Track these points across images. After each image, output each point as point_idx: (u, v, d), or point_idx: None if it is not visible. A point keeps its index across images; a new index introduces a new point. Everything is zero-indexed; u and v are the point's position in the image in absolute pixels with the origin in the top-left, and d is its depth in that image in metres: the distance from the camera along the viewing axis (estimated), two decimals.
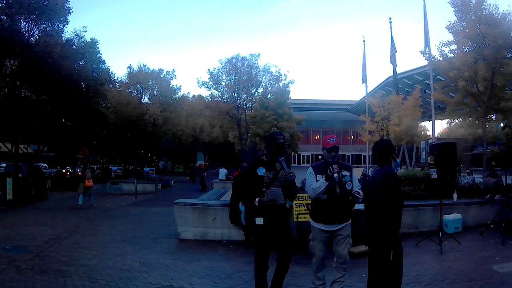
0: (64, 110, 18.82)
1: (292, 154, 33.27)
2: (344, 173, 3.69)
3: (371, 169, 19.86)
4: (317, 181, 3.66)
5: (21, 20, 16.01)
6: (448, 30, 10.63)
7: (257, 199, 3.48)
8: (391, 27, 19.73)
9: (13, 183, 13.14)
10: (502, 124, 24.35)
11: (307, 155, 56.57)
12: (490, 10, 10.01)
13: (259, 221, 3.56)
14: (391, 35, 18.47)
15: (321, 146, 3.90)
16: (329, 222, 3.66)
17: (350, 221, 3.74)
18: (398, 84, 21.24)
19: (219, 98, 35.13)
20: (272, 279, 3.81)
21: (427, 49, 13.21)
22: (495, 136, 28.66)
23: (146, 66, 32.84)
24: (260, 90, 33.93)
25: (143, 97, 33.14)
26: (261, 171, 3.57)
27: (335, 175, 3.63)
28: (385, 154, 3.71)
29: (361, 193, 3.66)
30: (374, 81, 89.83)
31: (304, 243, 6.34)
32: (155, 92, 32.74)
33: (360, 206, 6.56)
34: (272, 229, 3.57)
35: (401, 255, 3.60)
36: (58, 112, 18.96)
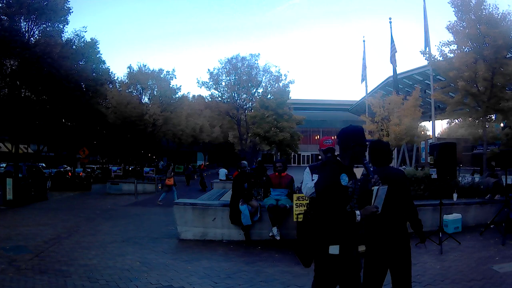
0: (64, 110, 18.83)
1: (292, 154, 33.28)
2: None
3: (371, 169, 19.82)
4: (312, 180, 3.75)
5: (21, 20, 16.04)
6: (448, 30, 10.65)
7: (358, 212, 2.61)
8: (391, 27, 19.82)
9: (13, 183, 13.14)
10: (502, 124, 24.34)
11: (307, 155, 56.56)
12: (490, 10, 10.03)
13: (334, 250, 2.60)
14: (391, 35, 18.53)
15: (318, 147, 3.99)
16: None
17: None
18: (398, 84, 21.25)
19: (219, 98, 35.18)
20: None
21: (427, 49, 13.24)
22: (495, 136, 28.63)
23: (146, 66, 32.90)
24: (260, 90, 33.99)
25: (143, 97, 33.18)
26: (345, 180, 2.72)
27: None
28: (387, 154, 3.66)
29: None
30: (374, 81, 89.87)
31: None
32: (155, 92, 32.76)
33: None
34: (348, 260, 2.66)
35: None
36: (58, 112, 18.97)
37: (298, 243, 2.86)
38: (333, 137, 3.86)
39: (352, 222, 2.62)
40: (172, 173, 15.20)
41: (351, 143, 2.72)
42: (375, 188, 2.73)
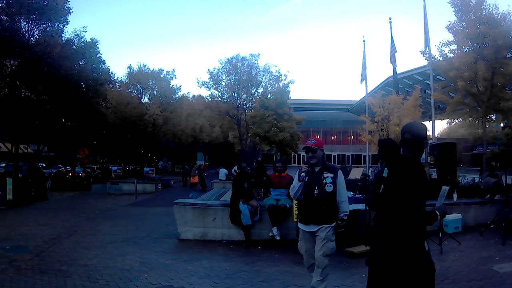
0: (64, 110, 18.82)
1: (292, 154, 33.28)
2: (326, 174, 3.62)
3: (371, 169, 19.85)
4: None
5: (21, 20, 16.02)
6: (448, 30, 10.65)
7: (437, 212, 2.58)
8: (391, 27, 19.76)
9: (13, 183, 13.14)
10: (502, 124, 24.33)
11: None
12: (490, 10, 10.03)
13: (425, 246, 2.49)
14: (391, 35, 18.51)
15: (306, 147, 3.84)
16: (305, 222, 3.63)
17: (332, 224, 3.58)
18: (398, 84, 21.24)
19: (219, 98, 35.15)
20: None
21: (427, 49, 13.23)
22: (495, 136, 28.66)
23: (146, 66, 32.93)
24: (260, 90, 33.97)
25: (143, 97, 33.20)
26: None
27: (302, 174, 3.58)
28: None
29: (346, 217, 3.64)
30: (374, 81, 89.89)
31: None
32: (155, 92, 32.78)
33: (360, 206, 6.59)
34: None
35: None
36: (58, 112, 18.96)
37: (376, 251, 2.51)
38: (317, 136, 3.63)
39: (434, 222, 2.52)
40: (197, 171, 15.38)
41: (425, 140, 2.62)
42: (443, 188, 2.92)
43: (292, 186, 3.71)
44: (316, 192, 3.55)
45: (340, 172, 3.71)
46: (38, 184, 15.50)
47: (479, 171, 15.80)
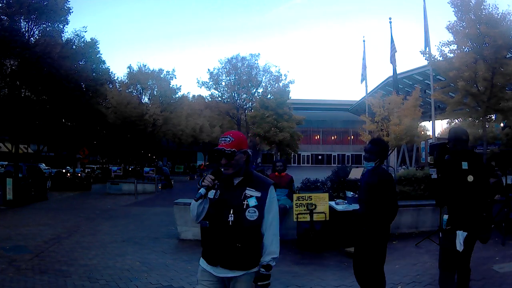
0: (64, 110, 18.82)
1: (292, 154, 33.25)
2: (250, 192, 2.21)
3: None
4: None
5: (21, 20, 16.02)
6: (448, 30, 10.65)
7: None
8: (391, 27, 19.80)
9: (13, 183, 13.14)
10: (502, 124, 24.31)
11: (307, 155, 56.59)
12: (490, 10, 10.03)
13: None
14: (391, 35, 18.53)
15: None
16: (212, 263, 2.20)
17: (253, 269, 2.17)
18: (398, 84, 21.24)
19: (219, 98, 35.19)
20: None
21: (427, 49, 13.25)
22: (495, 136, 28.60)
23: (146, 66, 32.94)
24: (260, 90, 34.01)
25: (143, 97, 33.21)
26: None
27: (201, 191, 2.14)
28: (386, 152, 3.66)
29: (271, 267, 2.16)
30: (374, 81, 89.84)
31: (304, 243, 6.34)
32: (155, 92, 32.79)
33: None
34: None
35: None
36: (58, 112, 18.96)
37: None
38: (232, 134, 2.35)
39: None
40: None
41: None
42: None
43: (191, 206, 2.29)
44: (231, 218, 2.16)
45: (272, 190, 2.27)
46: (38, 184, 15.51)
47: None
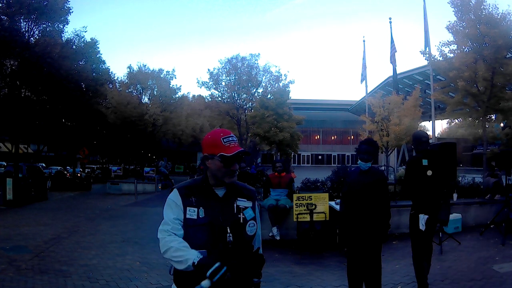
0: (64, 110, 18.83)
1: (292, 154, 33.22)
2: (243, 204, 1.88)
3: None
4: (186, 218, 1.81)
5: (21, 20, 16.01)
6: (448, 30, 10.64)
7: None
8: (391, 27, 19.78)
9: (13, 183, 13.14)
10: (502, 124, 24.33)
11: (307, 155, 56.57)
12: (490, 10, 10.01)
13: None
14: (391, 35, 18.52)
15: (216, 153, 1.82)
16: None
17: None
18: (398, 84, 21.24)
19: (219, 98, 35.14)
20: None
21: (427, 49, 13.24)
22: (495, 136, 28.62)
23: (146, 66, 32.97)
24: (260, 90, 33.95)
25: (143, 97, 33.22)
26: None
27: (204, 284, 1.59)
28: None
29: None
30: (374, 81, 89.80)
31: (304, 243, 6.34)
32: (155, 92, 32.80)
33: None
34: None
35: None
36: (58, 112, 18.97)
37: None
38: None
39: None
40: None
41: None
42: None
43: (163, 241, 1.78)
44: (229, 238, 1.76)
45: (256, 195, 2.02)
46: (38, 184, 15.50)
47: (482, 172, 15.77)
